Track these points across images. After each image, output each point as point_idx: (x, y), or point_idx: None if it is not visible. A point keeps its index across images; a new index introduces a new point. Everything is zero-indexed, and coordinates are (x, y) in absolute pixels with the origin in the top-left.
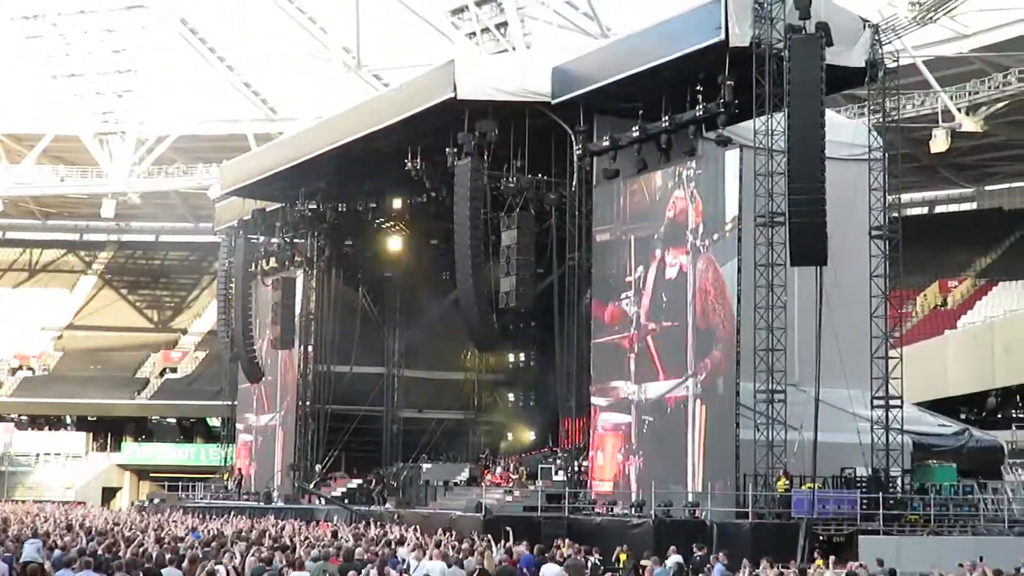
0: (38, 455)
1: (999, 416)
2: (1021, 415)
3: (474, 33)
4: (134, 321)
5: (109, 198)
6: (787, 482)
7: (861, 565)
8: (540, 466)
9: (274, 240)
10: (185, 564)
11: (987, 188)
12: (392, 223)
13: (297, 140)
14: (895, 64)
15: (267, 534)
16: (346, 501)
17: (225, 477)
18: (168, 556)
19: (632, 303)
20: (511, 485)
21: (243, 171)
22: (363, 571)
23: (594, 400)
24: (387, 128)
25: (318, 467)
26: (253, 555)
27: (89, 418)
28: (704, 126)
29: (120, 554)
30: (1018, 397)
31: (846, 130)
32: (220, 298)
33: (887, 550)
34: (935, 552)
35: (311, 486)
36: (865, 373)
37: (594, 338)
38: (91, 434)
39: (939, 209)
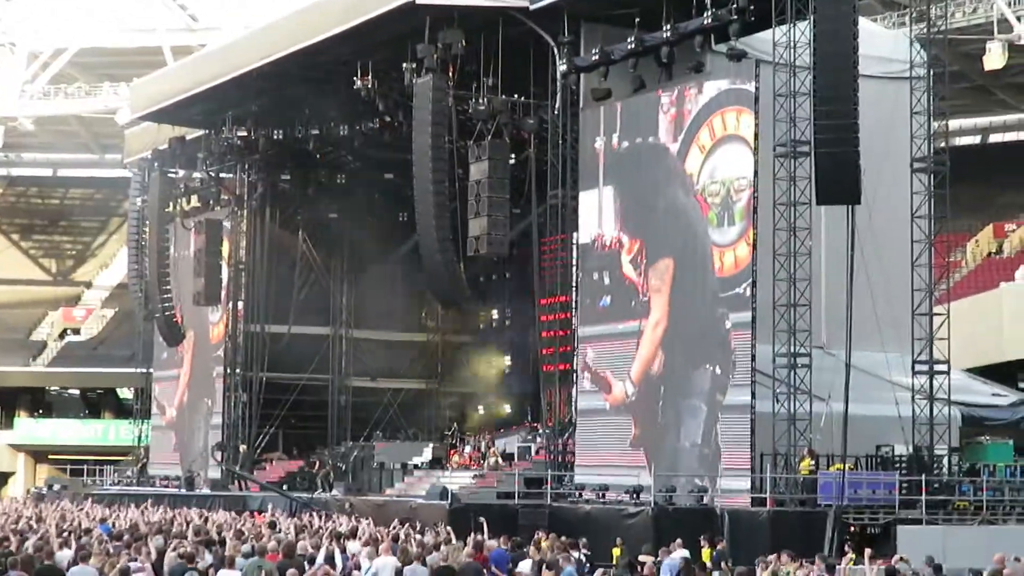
0: None
1: None
2: None
3: None
4: (27, 272)
5: None
6: (812, 463)
7: (902, 558)
8: (518, 445)
9: (196, 175)
10: (93, 561)
11: None
12: (338, 154)
13: (223, 54)
14: None
15: (190, 526)
16: (285, 487)
17: (139, 460)
18: (73, 551)
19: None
20: (482, 468)
21: (158, 91)
22: (306, 569)
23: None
24: (332, 39)
25: (243, 447)
26: (173, 550)
27: None
28: (713, 37)
29: (13, 550)
30: None
31: (884, 42)
32: (131, 245)
33: (931, 542)
34: (987, 545)
35: (241, 469)
36: (905, 334)
37: (581, 295)
38: None
39: (994, 138)
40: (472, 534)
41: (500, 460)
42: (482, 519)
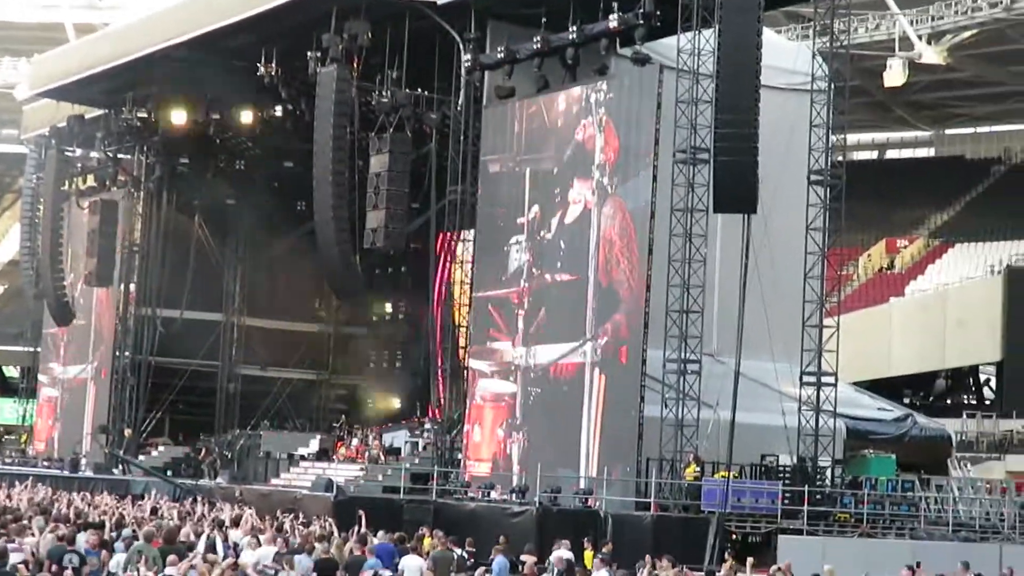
0: None
1: (948, 402)
2: (973, 401)
3: None
4: None
5: None
6: (697, 469)
7: (780, 569)
8: (405, 440)
9: (93, 154)
10: None
11: (947, 132)
12: (238, 140)
13: (126, 33)
14: None
15: (71, 507)
16: (169, 473)
17: (23, 439)
18: None
19: (523, 249)
20: (368, 461)
21: (59, 68)
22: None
23: (472, 363)
24: (236, 24)
25: (127, 431)
26: (51, 532)
27: None
28: (619, 40)
29: None
30: (971, 380)
31: (786, 54)
32: (25, 222)
33: (811, 553)
34: (866, 557)
35: (125, 454)
36: (795, 344)
37: (475, 290)
38: None
39: (891, 154)
40: (355, 527)
41: (382, 455)
42: (361, 512)
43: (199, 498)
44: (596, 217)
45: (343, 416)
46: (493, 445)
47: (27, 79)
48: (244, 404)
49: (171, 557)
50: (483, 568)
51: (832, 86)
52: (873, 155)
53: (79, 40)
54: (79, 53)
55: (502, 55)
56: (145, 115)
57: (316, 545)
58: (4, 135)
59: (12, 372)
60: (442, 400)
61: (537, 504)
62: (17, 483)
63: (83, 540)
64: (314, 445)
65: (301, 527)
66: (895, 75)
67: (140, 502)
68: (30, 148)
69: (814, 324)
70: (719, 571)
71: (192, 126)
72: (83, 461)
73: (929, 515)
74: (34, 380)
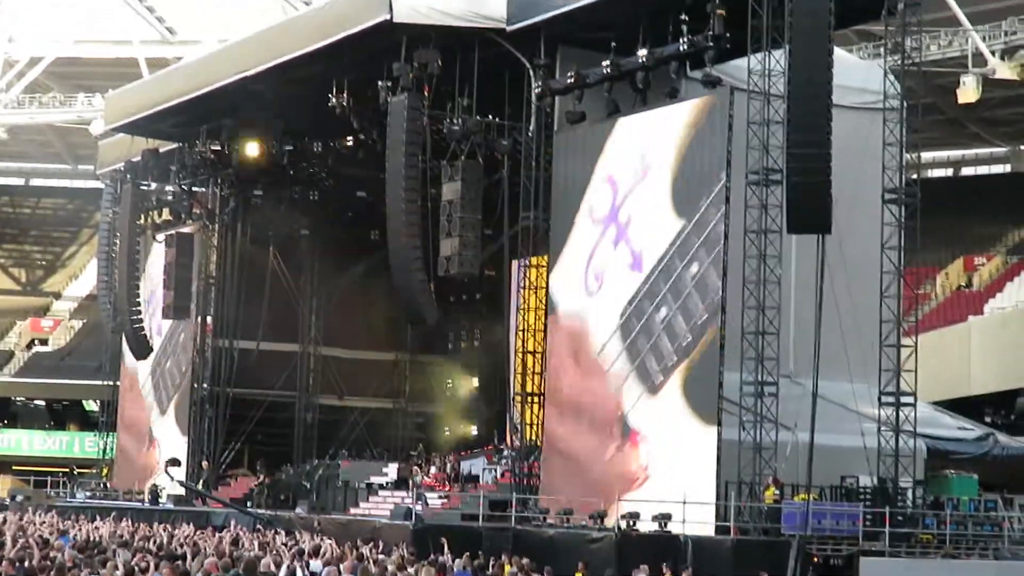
0: None
1: None
2: None
3: None
4: None
5: None
6: (777, 492)
7: None
8: (483, 467)
9: (168, 187)
10: (54, 574)
11: (1023, 148)
12: (311, 170)
13: (198, 67)
14: None
15: (152, 540)
16: (249, 504)
17: (104, 473)
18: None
19: (599, 275)
20: (447, 489)
21: (133, 103)
22: None
23: (549, 389)
24: (308, 55)
25: (205, 464)
26: (135, 564)
27: None
28: (689, 63)
29: None
30: None
31: (858, 73)
32: (102, 256)
33: (894, 574)
34: None
35: (198, 485)
36: (873, 365)
37: (551, 314)
38: None
39: (966, 171)
40: (433, 554)
41: (465, 481)
42: (443, 540)
43: (277, 529)
44: (671, 241)
45: (420, 445)
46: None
47: (102, 115)
48: (322, 434)
49: None
50: None
51: (905, 104)
52: (948, 172)
53: (152, 75)
54: (152, 88)
55: (572, 80)
56: (218, 148)
57: (397, 573)
58: (80, 170)
59: (92, 406)
60: (519, 427)
61: (616, 530)
62: (99, 517)
63: (164, 570)
64: (392, 474)
65: (380, 556)
66: (968, 92)
67: (220, 533)
68: (106, 183)
69: (892, 344)
70: None
71: (265, 158)
72: (163, 493)
73: (1013, 535)
74: (113, 413)
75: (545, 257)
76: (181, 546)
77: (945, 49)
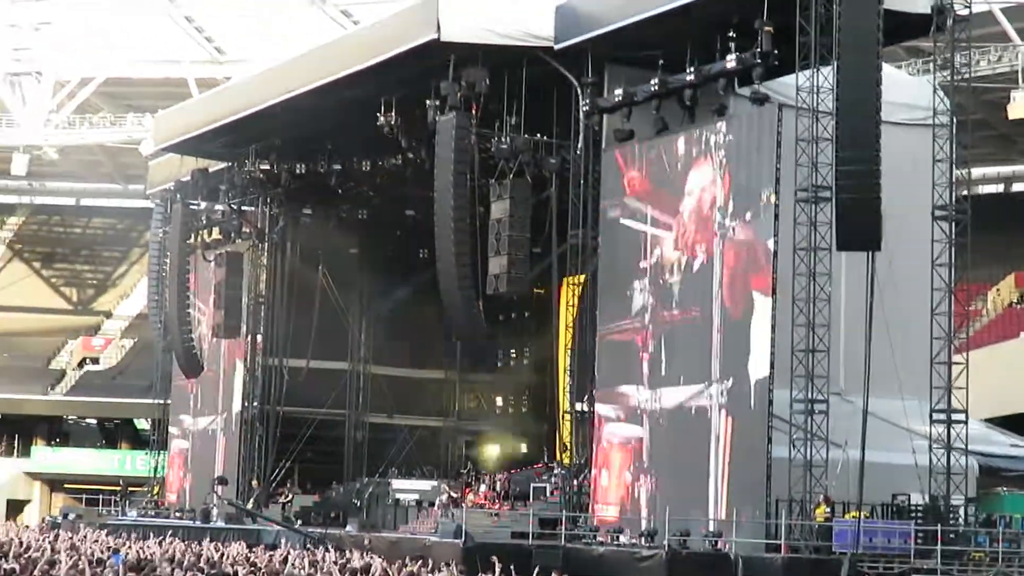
0: None
1: None
2: None
3: None
4: (48, 301)
5: (21, 152)
6: (828, 509)
7: None
8: (532, 485)
9: (218, 207)
10: None
11: None
12: (360, 189)
13: (247, 87)
14: (967, 10)
15: (203, 558)
16: (299, 522)
17: (155, 491)
18: None
19: (646, 292)
20: (497, 507)
21: (182, 123)
22: None
23: (599, 408)
24: (356, 75)
25: (254, 482)
26: None
27: None
28: (737, 80)
29: None
30: None
31: (907, 89)
32: (152, 275)
33: None
34: None
35: (248, 504)
36: (924, 382)
37: (599, 333)
38: None
39: (1017, 187)
40: (483, 573)
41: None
42: (494, 558)
43: (329, 546)
44: (719, 258)
45: (469, 462)
46: (621, 489)
47: (151, 134)
48: (372, 452)
49: None
50: None
51: (955, 120)
52: (999, 188)
53: (201, 95)
54: (202, 107)
55: (620, 98)
56: (267, 167)
57: None
58: (130, 190)
59: (143, 425)
60: (568, 445)
61: (666, 548)
62: (151, 535)
63: None
64: (442, 492)
65: (430, 574)
66: (1019, 107)
67: (271, 552)
68: (156, 202)
69: (943, 361)
70: None
71: (314, 177)
72: (214, 511)
73: None
74: (164, 432)
75: (583, 276)
76: (232, 564)
77: (995, 64)
